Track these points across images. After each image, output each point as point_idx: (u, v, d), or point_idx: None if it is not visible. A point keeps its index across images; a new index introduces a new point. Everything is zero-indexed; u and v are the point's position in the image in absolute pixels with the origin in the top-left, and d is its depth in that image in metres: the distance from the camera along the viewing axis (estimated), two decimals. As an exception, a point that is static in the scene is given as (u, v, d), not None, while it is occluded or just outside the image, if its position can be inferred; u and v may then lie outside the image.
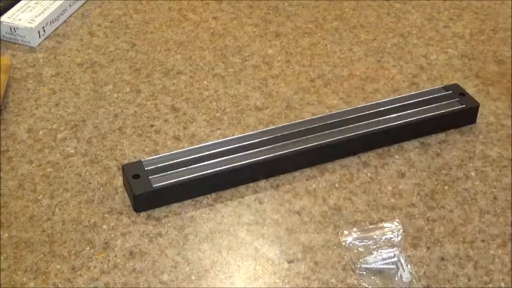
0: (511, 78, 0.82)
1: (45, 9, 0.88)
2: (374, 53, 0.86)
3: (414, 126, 0.72)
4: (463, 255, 0.62)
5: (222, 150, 0.68)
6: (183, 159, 0.67)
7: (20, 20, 0.86)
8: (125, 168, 0.66)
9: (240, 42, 0.88)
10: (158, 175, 0.65)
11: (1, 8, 0.87)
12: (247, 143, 0.69)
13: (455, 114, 0.74)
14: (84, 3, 0.94)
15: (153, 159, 0.67)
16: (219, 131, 0.74)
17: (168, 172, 0.66)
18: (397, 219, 0.64)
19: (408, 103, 0.74)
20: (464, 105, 0.75)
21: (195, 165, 0.66)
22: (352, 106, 0.76)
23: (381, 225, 0.64)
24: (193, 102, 0.78)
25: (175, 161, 0.67)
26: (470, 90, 0.80)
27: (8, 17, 0.86)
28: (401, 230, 0.63)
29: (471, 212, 0.66)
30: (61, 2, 0.89)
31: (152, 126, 0.75)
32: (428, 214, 0.65)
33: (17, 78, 0.81)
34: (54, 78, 0.81)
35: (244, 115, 0.76)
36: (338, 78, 0.82)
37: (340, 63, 0.85)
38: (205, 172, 0.66)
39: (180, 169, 0.66)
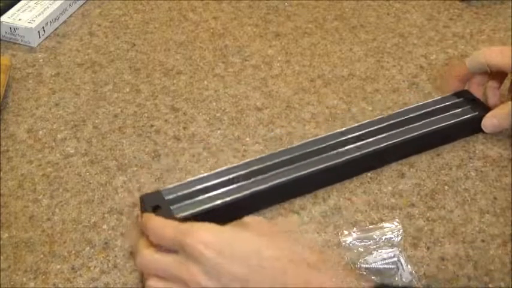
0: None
1: (45, 9, 0.88)
2: (374, 53, 0.86)
3: (428, 138, 0.70)
4: (463, 255, 0.62)
5: (243, 174, 0.65)
6: (204, 185, 0.63)
7: (20, 20, 0.86)
8: (144, 199, 0.62)
9: (240, 42, 0.88)
10: (180, 204, 0.61)
11: (1, 8, 0.87)
12: (265, 164, 0.66)
13: (469, 122, 0.72)
14: (84, 3, 0.94)
15: (173, 187, 0.63)
16: (219, 131, 0.74)
17: (190, 200, 0.62)
18: (397, 219, 0.64)
19: (421, 114, 0.72)
20: (477, 113, 0.72)
21: (216, 192, 0.63)
22: (364, 121, 0.72)
23: (381, 225, 0.64)
24: (193, 102, 0.78)
25: (195, 188, 0.63)
26: (470, 90, 0.80)
27: (8, 17, 0.86)
28: (401, 230, 0.63)
29: (471, 212, 0.66)
30: (61, 2, 0.89)
31: (152, 126, 0.75)
32: (428, 214, 0.65)
33: (17, 78, 0.81)
34: (54, 78, 0.81)
35: (244, 115, 0.76)
36: (338, 78, 0.82)
37: (340, 63, 0.85)
38: (228, 198, 0.62)
39: (202, 196, 0.62)
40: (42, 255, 0.61)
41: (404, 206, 0.66)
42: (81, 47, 0.86)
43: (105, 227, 0.63)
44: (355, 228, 0.63)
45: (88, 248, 0.61)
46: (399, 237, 0.62)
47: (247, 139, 0.73)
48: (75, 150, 0.71)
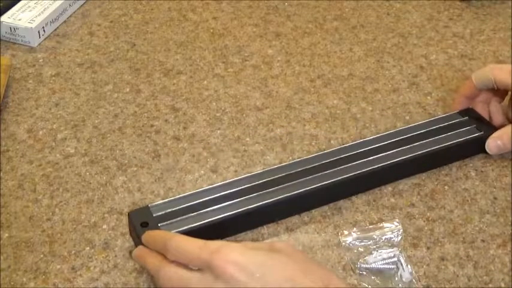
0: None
1: (45, 9, 0.88)
2: (374, 53, 0.86)
3: (431, 157, 0.68)
4: (463, 255, 0.62)
5: (232, 192, 0.63)
6: (193, 203, 0.62)
7: (20, 20, 0.86)
8: (131, 216, 0.60)
9: (240, 42, 0.88)
10: (168, 222, 0.60)
11: (1, 8, 0.87)
12: (257, 183, 0.64)
13: (474, 141, 0.70)
14: (84, 3, 0.94)
15: (161, 204, 0.62)
16: (219, 131, 0.74)
17: (178, 218, 0.60)
18: (397, 219, 0.64)
19: (424, 132, 0.70)
20: (482, 132, 0.70)
21: (206, 210, 0.61)
22: (364, 138, 0.70)
23: (381, 225, 0.64)
24: (193, 102, 0.78)
25: (184, 206, 0.62)
26: (470, 90, 0.80)
27: (8, 17, 0.86)
28: (401, 230, 0.63)
29: (471, 212, 0.66)
30: (61, 2, 0.89)
31: (152, 126, 0.75)
32: (428, 214, 0.65)
33: (17, 78, 0.81)
34: (54, 78, 0.81)
35: (244, 115, 0.76)
36: (338, 78, 0.82)
37: (340, 63, 0.85)
38: (218, 217, 0.61)
39: (191, 214, 0.61)
40: (42, 255, 0.61)
41: (404, 206, 0.66)
42: (81, 47, 0.86)
43: (105, 227, 0.63)
44: (355, 228, 0.63)
45: (88, 248, 0.61)
46: (399, 237, 0.62)
47: (247, 139, 0.73)
48: (75, 150, 0.71)
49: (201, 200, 0.62)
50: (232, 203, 0.62)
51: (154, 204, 0.62)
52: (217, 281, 0.49)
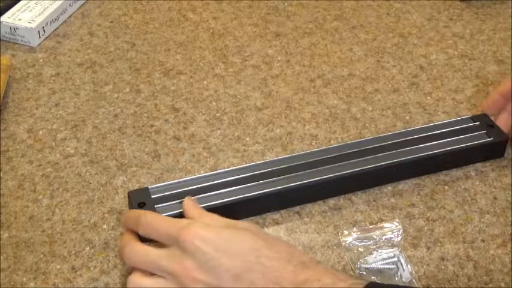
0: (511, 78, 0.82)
1: (45, 9, 0.88)
2: (374, 53, 0.86)
3: (437, 159, 0.68)
4: (463, 255, 0.62)
5: (231, 180, 0.65)
6: (191, 187, 0.64)
7: (20, 20, 0.86)
8: (130, 196, 0.63)
9: (240, 42, 0.88)
10: (164, 204, 0.62)
11: (1, 8, 0.87)
12: (256, 173, 0.65)
13: (482, 147, 0.69)
14: (84, 3, 0.94)
15: (160, 186, 0.64)
16: (219, 131, 0.74)
17: (175, 201, 0.62)
18: (397, 219, 0.64)
19: (432, 134, 0.70)
20: (492, 138, 0.69)
21: (203, 195, 0.63)
22: (376, 135, 0.71)
23: (381, 225, 0.64)
24: (193, 102, 0.78)
25: (183, 190, 0.63)
26: (470, 90, 0.80)
27: (8, 17, 0.86)
28: (401, 230, 0.63)
29: (471, 212, 0.66)
30: (61, 2, 0.89)
31: (152, 126, 0.75)
32: (428, 214, 0.65)
33: (17, 78, 0.81)
34: (54, 78, 0.81)
35: (244, 115, 0.76)
36: (338, 78, 0.82)
37: (340, 63, 0.85)
38: (211, 203, 0.62)
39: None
40: (42, 255, 0.61)
41: (404, 206, 0.66)
42: (81, 47, 0.86)
43: (105, 227, 0.63)
44: (355, 228, 0.63)
45: (88, 248, 0.61)
46: (399, 237, 0.62)
47: (247, 139, 0.73)
48: (75, 150, 0.71)
49: (200, 186, 0.64)
50: (230, 190, 0.64)
51: (153, 186, 0.64)
52: (185, 255, 0.51)
